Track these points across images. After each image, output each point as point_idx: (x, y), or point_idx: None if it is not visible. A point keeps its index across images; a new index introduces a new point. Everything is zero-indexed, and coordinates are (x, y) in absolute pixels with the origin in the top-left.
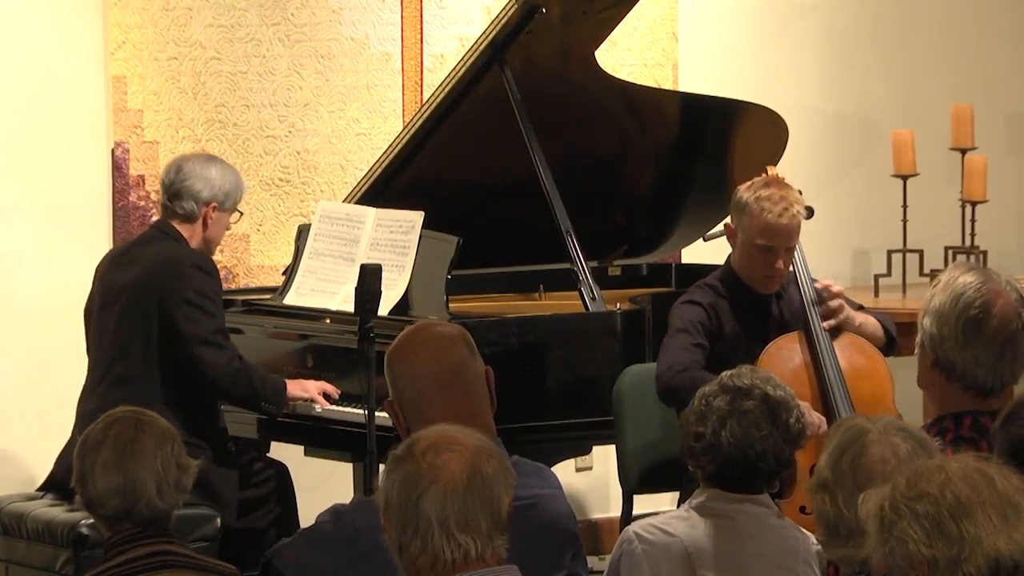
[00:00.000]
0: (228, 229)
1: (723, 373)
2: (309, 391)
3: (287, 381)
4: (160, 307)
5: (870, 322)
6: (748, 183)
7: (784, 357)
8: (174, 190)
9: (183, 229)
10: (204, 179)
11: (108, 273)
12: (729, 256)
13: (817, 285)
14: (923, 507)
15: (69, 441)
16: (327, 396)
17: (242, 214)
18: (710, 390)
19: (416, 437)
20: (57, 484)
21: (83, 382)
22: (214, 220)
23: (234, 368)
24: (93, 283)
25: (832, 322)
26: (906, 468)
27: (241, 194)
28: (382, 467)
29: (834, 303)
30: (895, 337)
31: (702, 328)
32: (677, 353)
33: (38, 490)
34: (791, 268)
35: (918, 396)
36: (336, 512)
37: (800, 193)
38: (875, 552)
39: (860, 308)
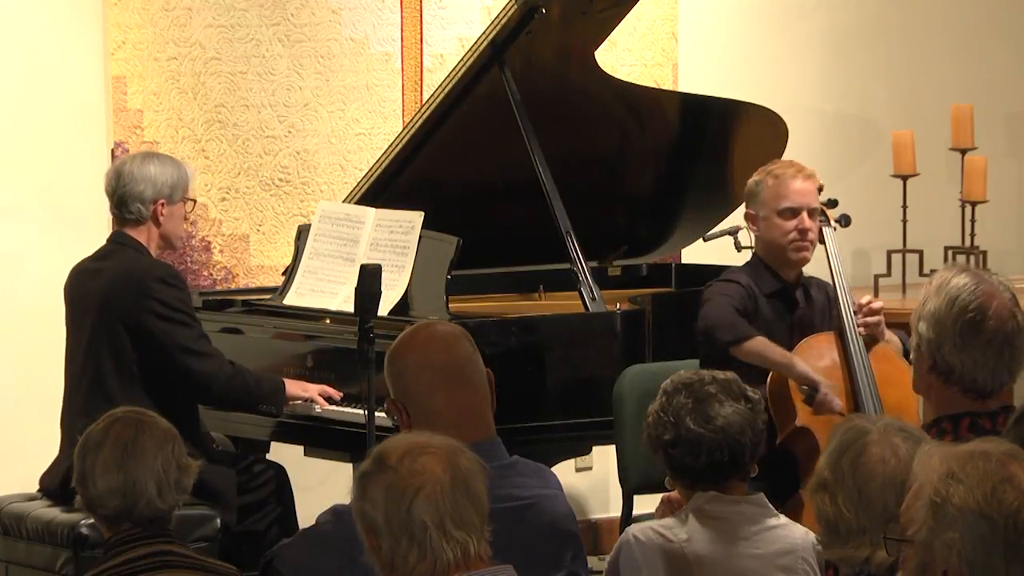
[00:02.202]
0: (186, 220)
1: (664, 383)
2: (309, 391)
3: (287, 381)
4: (129, 329)
5: (894, 340)
6: (756, 172)
7: (816, 354)
8: (118, 197)
9: (138, 234)
10: (144, 179)
11: (73, 290)
12: (754, 251)
13: (863, 300)
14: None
15: (57, 459)
16: (329, 399)
17: (195, 202)
18: (662, 399)
19: (383, 450)
20: (49, 494)
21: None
22: (166, 216)
23: (226, 373)
24: (64, 299)
25: (868, 325)
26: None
27: (187, 183)
28: None
29: (876, 311)
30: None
31: (742, 302)
32: (719, 308)
33: (38, 491)
34: (809, 271)
35: (918, 397)
36: (336, 513)
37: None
38: (917, 534)
39: None
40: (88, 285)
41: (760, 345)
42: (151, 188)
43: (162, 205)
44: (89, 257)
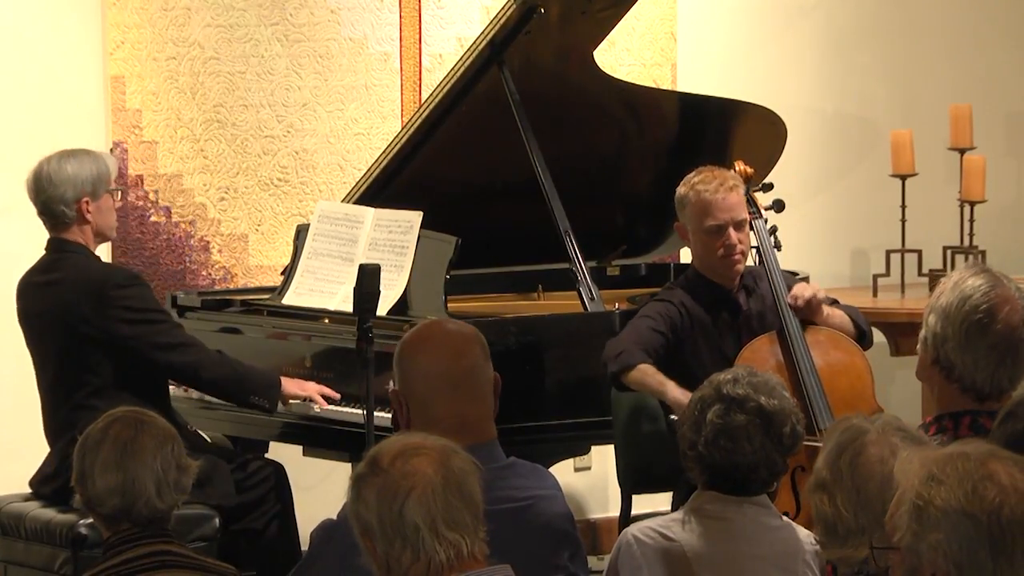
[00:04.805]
0: (118, 205)
1: (720, 376)
2: (307, 390)
3: (285, 379)
4: (97, 341)
5: (836, 314)
6: (682, 181)
7: (758, 360)
8: (41, 204)
9: (73, 235)
10: (63, 181)
11: (28, 308)
12: (691, 263)
13: (795, 291)
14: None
15: (44, 464)
16: (327, 399)
17: (122, 191)
18: (706, 395)
19: (377, 452)
20: (40, 496)
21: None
22: (93, 212)
23: (212, 359)
24: (18, 317)
25: (806, 296)
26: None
27: (108, 174)
28: None
29: (807, 293)
30: (866, 331)
31: (668, 320)
32: (629, 334)
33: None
34: (759, 262)
35: (917, 396)
36: (326, 529)
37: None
38: (902, 539)
39: (834, 303)
40: (42, 301)
41: (640, 374)
42: (72, 189)
43: (86, 203)
44: (34, 269)
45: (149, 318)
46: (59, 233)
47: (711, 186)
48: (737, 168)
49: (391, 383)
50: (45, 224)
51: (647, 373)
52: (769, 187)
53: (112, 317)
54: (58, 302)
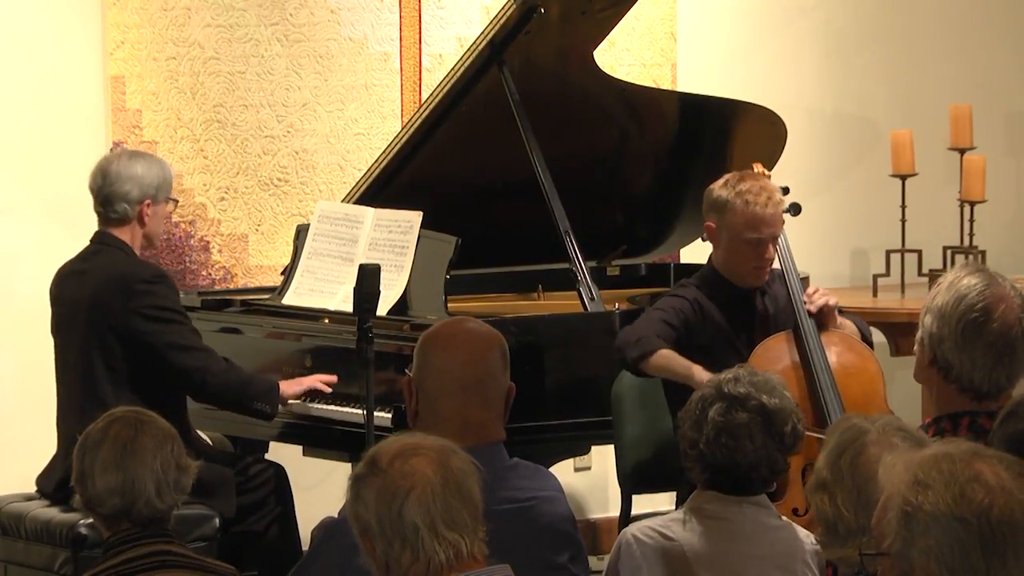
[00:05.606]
0: (168, 218)
1: (721, 375)
2: (305, 384)
3: (280, 382)
4: (118, 334)
5: (847, 323)
6: (722, 181)
7: (773, 358)
8: (103, 196)
9: (122, 233)
10: (131, 179)
11: (59, 294)
12: (710, 257)
13: (808, 291)
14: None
15: (52, 461)
16: (324, 393)
17: (177, 202)
18: (707, 394)
19: (376, 452)
20: (45, 495)
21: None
22: (150, 216)
23: (221, 367)
24: (50, 302)
25: (819, 303)
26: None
27: (171, 182)
28: None
29: (819, 300)
30: (870, 341)
31: (681, 315)
32: (642, 324)
33: (35, 491)
34: (777, 264)
35: (917, 397)
36: (327, 528)
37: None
38: (892, 545)
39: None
40: (73, 289)
41: (663, 359)
42: (137, 188)
43: (147, 205)
44: (74, 258)
45: (168, 317)
46: (109, 228)
47: (761, 199)
48: (757, 171)
49: (409, 369)
50: (99, 216)
51: (671, 357)
52: (785, 191)
53: (132, 310)
54: (86, 291)
